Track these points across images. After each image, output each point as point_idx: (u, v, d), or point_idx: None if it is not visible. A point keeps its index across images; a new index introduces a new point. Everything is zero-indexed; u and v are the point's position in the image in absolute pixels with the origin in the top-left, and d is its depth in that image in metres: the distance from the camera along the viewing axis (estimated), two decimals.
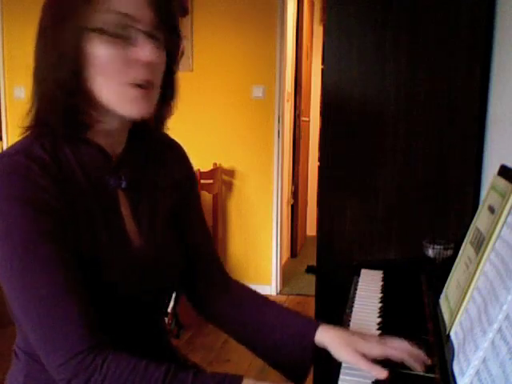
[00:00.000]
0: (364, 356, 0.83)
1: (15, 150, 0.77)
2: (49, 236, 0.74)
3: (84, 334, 0.73)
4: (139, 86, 0.78)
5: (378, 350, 0.84)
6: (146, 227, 0.88)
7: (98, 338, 0.74)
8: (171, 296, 0.98)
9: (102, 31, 0.74)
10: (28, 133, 0.82)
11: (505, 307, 0.68)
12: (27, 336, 0.80)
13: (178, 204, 0.96)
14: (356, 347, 0.85)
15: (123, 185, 0.86)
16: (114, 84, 0.77)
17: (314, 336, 0.90)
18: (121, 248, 0.84)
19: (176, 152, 1.00)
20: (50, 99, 0.79)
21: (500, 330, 0.68)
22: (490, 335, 0.69)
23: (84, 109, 0.80)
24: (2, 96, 3.83)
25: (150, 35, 0.77)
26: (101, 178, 0.84)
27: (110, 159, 0.85)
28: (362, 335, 0.88)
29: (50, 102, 0.79)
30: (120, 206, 0.86)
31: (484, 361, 0.69)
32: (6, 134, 3.86)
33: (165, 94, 0.86)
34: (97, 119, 0.81)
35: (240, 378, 0.75)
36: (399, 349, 0.84)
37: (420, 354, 0.84)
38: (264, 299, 1.02)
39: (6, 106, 3.84)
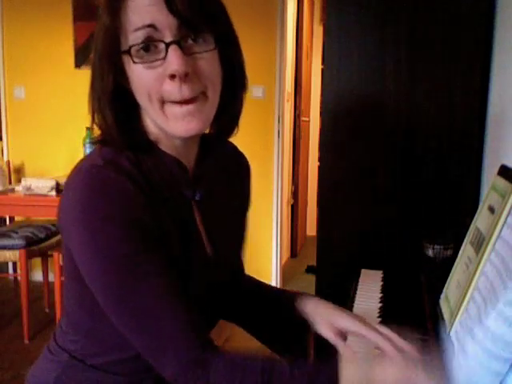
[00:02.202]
0: (340, 332, 0.86)
1: (102, 160, 0.75)
2: (148, 251, 0.73)
3: (191, 342, 0.73)
4: (181, 102, 0.74)
5: (355, 326, 0.85)
6: (216, 239, 0.88)
7: (203, 343, 0.74)
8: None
9: (129, 52, 0.73)
10: (100, 141, 0.81)
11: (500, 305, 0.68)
12: (78, 333, 0.85)
13: (240, 217, 0.99)
14: (335, 323, 0.87)
15: (197, 197, 0.85)
16: (154, 104, 0.75)
17: (295, 301, 0.93)
18: (199, 259, 0.84)
19: (243, 169, 1.03)
20: (105, 119, 0.78)
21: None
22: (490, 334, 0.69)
23: (143, 128, 0.81)
24: (2, 96, 3.83)
25: (177, 43, 0.72)
26: (178, 189, 0.84)
27: (187, 171, 0.85)
28: (347, 311, 0.90)
29: (105, 122, 0.78)
30: (196, 217, 0.85)
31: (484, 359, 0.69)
32: (6, 133, 3.86)
33: (225, 104, 0.82)
34: (160, 135, 0.81)
35: (335, 372, 0.70)
36: (382, 334, 0.82)
37: (406, 346, 0.79)
38: (258, 282, 1.06)
39: (6, 106, 3.83)
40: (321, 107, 4.55)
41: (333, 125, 1.69)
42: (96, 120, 0.80)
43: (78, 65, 3.65)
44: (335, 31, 1.65)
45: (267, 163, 3.59)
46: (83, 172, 0.75)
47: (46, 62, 3.73)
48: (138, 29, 0.71)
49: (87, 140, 3.12)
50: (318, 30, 4.89)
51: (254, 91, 3.56)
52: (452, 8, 1.55)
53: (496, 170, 1.02)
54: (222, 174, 0.94)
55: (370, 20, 1.62)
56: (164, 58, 0.72)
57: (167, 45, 0.71)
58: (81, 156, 3.00)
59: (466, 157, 1.59)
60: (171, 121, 0.76)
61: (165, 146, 0.82)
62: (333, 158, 1.70)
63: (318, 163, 2.01)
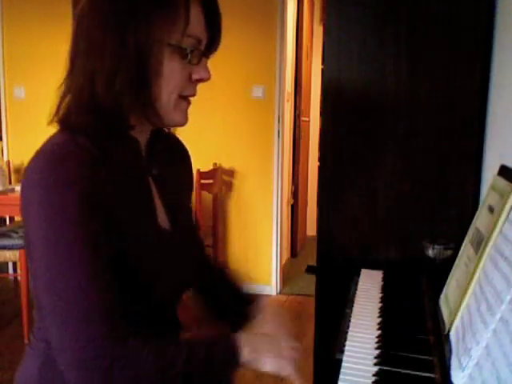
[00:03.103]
0: None
1: (62, 139, 0.81)
2: (90, 226, 0.77)
3: (105, 323, 0.76)
4: (186, 98, 0.89)
5: None
6: (172, 214, 0.95)
7: (119, 328, 0.77)
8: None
9: (183, 49, 0.83)
10: (60, 127, 0.86)
11: (508, 297, 0.68)
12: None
13: (189, 196, 1.08)
14: None
15: (154, 171, 0.94)
16: (172, 95, 0.86)
17: None
18: (155, 234, 0.90)
19: (184, 154, 1.09)
20: (118, 98, 0.82)
21: (502, 319, 0.68)
22: (493, 326, 0.69)
23: (137, 112, 0.85)
24: (2, 96, 3.83)
25: (205, 55, 0.88)
26: (137, 167, 0.91)
27: (141, 150, 0.92)
28: None
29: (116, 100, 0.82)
30: (153, 192, 0.92)
31: (486, 353, 0.69)
32: (6, 133, 3.86)
33: None
34: (146, 121, 0.88)
35: (230, 341, 0.83)
36: None
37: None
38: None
39: (6, 106, 3.84)
40: (321, 107, 4.55)
41: (333, 125, 1.69)
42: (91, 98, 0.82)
43: None
44: (335, 31, 1.64)
45: (267, 163, 3.59)
46: (44, 151, 0.80)
47: (46, 62, 3.73)
48: (191, 36, 0.84)
49: None
50: (318, 30, 4.89)
51: (254, 91, 3.56)
52: (452, 8, 1.55)
53: (496, 170, 1.03)
54: (169, 158, 1.02)
55: (370, 20, 1.61)
56: (195, 63, 0.86)
57: (203, 54, 0.88)
58: None
59: (466, 157, 1.59)
60: (178, 112, 0.88)
61: (133, 131, 0.90)
62: (333, 158, 1.70)
63: (318, 163, 2.01)
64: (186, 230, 1.00)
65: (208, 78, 0.89)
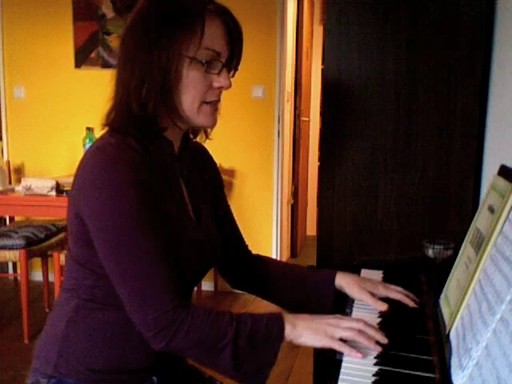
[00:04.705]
0: (371, 294, 1.10)
1: (115, 140, 0.93)
2: (151, 213, 0.91)
3: (172, 294, 0.90)
4: (210, 103, 1.00)
5: (381, 290, 1.12)
6: (198, 209, 1.09)
7: (181, 299, 0.92)
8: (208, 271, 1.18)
9: (199, 61, 0.94)
10: (109, 128, 0.99)
11: (508, 297, 0.68)
12: (84, 273, 0.98)
13: (214, 197, 1.21)
14: (365, 287, 1.12)
15: (185, 172, 1.07)
16: (195, 101, 0.97)
17: (334, 280, 1.16)
18: (186, 224, 1.03)
19: (206, 155, 1.23)
20: (145, 107, 0.95)
21: (502, 319, 0.68)
22: (493, 326, 0.69)
23: (164, 116, 0.98)
24: (2, 96, 3.83)
25: (226, 66, 0.99)
26: (171, 167, 1.04)
27: (175, 153, 1.05)
28: (371, 280, 1.17)
29: (144, 109, 0.95)
30: (183, 189, 1.06)
31: (486, 353, 0.69)
32: (6, 133, 3.86)
33: None
34: (174, 124, 1.01)
35: (281, 320, 0.93)
36: (396, 291, 1.12)
37: (411, 294, 1.10)
38: (285, 263, 1.33)
39: (5, 106, 3.83)
40: (321, 107, 4.56)
41: (333, 124, 1.69)
42: (127, 107, 0.95)
43: (77, 65, 3.65)
44: (335, 31, 1.64)
45: (267, 163, 3.59)
46: (100, 149, 0.92)
47: (46, 62, 3.73)
48: (208, 49, 0.95)
49: (87, 140, 3.12)
50: (318, 30, 4.89)
51: (254, 91, 3.56)
52: (452, 8, 1.55)
53: (496, 170, 1.03)
54: (196, 163, 1.15)
55: (370, 20, 1.62)
56: (215, 73, 0.98)
57: (223, 65, 0.98)
58: (81, 156, 2.99)
59: (466, 157, 1.59)
60: (202, 115, 1.00)
61: (166, 133, 1.02)
62: (333, 158, 1.70)
63: (318, 163, 2.01)
64: (208, 223, 1.12)
65: (228, 87, 1.00)
